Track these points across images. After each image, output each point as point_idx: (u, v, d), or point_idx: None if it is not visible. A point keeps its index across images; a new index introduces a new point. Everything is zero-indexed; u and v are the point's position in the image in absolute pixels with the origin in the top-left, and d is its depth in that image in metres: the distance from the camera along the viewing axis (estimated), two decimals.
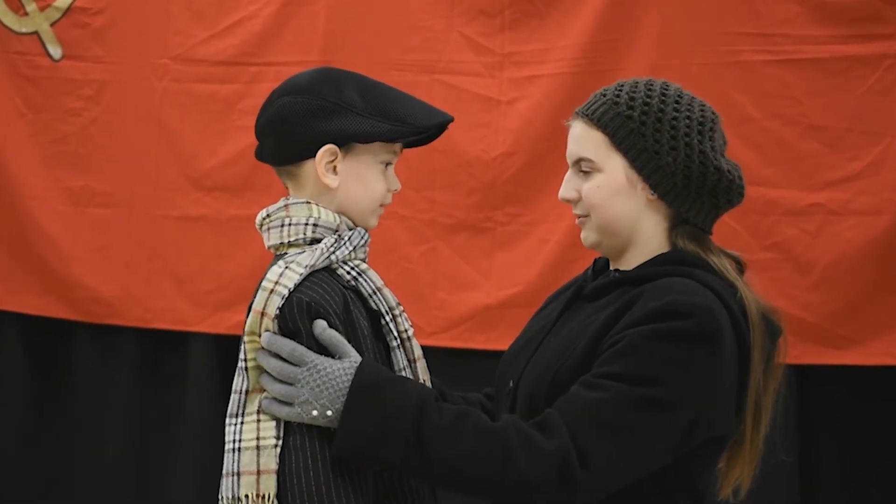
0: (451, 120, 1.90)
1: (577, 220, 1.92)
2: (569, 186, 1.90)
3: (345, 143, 1.83)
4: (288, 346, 1.70)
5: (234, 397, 1.77)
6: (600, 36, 3.53)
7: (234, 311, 3.84)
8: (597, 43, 3.53)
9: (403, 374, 1.84)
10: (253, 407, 1.74)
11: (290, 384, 1.68)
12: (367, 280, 1.84)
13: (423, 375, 1.91)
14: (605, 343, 1.75)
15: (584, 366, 1.76)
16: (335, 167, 1.84)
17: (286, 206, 1.86)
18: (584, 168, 1.87)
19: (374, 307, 1.85)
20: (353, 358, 1.70)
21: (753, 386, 1.79)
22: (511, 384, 1.91)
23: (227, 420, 1.76)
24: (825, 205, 3.36)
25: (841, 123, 3.35)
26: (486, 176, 3.65)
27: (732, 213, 3.34)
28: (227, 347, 3.86)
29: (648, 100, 1.85)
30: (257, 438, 1.71)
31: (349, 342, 1.74)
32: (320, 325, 1.71)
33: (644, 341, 1.70)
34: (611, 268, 1.94)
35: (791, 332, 3.26)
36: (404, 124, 1.84)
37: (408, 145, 1.93)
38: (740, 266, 1.91)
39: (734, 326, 1.77)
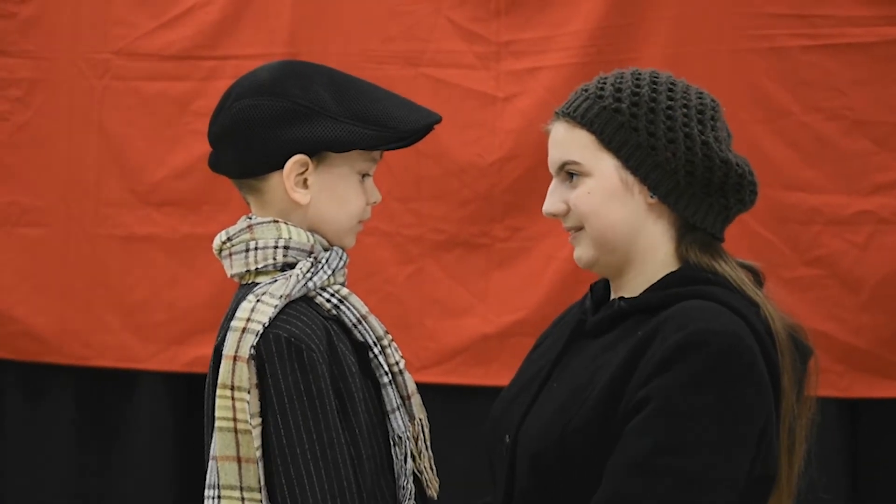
0: (440, 120, 1.90)
1: (569, 238, 1.91)
2: (554, 198, 1.89)
3: (317, 152, 1.82)
4: None
5: (211, 464, 1.75)
6: (611, 20, 3.54)
7: (189, 344, 3.84)
8: (607, 28, 3.54)
9: (397, 413, 1.85)
10: (228, 480, 1.73)
11: None
12: (351, 307, 1.84)
13: (419, 413, 1.91)
14: (629, 397, 1.73)
15: (599, 418, 1.75)
16: (305, 180, 1.84)
17: (250, 226, 1.85)
18: (571, 174, 1.87)
19: (360, 338, 1.84)
20: None
21: (786, 416, 1.79)
22: (507, 439, 1.89)
23: (206, 491, 1.74)
24: (876, 212, 3.37)
25: (892, 117, 3.36)
26: (482, 184, 3.65)
27: (768, 224, 3.40)
28: (181, 388, 3.86)
29: (637, 89, 1.84)
30: None
31: (337, 383, 1.74)
32: None
33: (681, 396, 1.68)
34: (612, 293, 1.93)
35: (839, 360, 3.33)
36: (386, 128, 1.83)
37: (387, 148, 1.91)
38: (758, 278, 1.91)
39: (762, 350, 1.76)
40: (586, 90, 1.88)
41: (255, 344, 1.71)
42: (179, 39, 3.88)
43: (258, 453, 1.72)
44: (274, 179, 1.84)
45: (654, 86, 1.85)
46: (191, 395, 3.79)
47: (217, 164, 1.91)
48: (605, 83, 1.87)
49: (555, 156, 1.89)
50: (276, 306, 1.74)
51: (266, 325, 1.72)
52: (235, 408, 1.71)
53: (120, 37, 3.92)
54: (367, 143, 1.82)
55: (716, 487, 1.67)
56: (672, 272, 1.86)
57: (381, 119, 1.83)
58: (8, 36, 3.99)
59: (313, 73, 1.86)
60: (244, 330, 1.72)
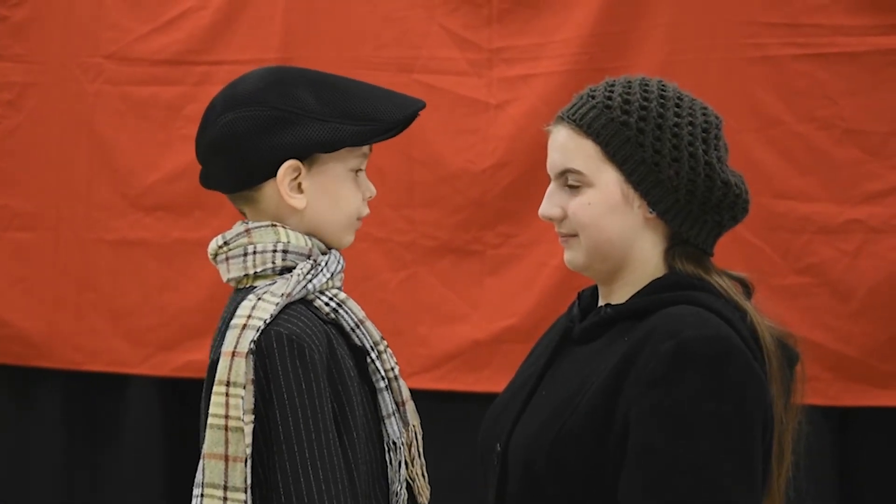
0: (424, 106, 1.91)
1: (560, 240, 1.92)
2: (552, 202, 1.89)
3: (307, 155, 1.84)
4: None
5: (200, 462, 1.74)
6: (604, 27, 3.55)
7: (179, 350, 3.84)
8: (600, 36, 3.56)
9: (392, 419, 1.86)
10: (212, 478, 1.71)
11: None
12: (349, 312, 1.86)
13: (413, 420, 1.93)
14: (624, 408, 1.73)
15: (591, 427, 1.75)
16: (300, 184, 1.85)
17: (247, 230, 1.86)
18: (572, 182, 1.86)
19: (358, 342, 1.86)
20: None
21: (776, 423, 1.80)
22: (498, 447, 1.90)
23: (194, 490, 1.74)
24: (866, 221, 3.39)
25: (883, 126, 3.38)
26: (474, 191, 3.66)
27: (759, 232, 3.42)
28: (171, 393, 3.86)
29: (646, 103, 1.84)
30: None
31: (336, 387, 1.75)
32: None
33: (686, 409, 1.68)
34: (601, 299, 1.94)
35: (829, 368, 3.35)
36: (372, 122, 1.85)
37: (376, 140, 1.92)
38: (747, 289, 1.92)
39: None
40: (593, 97, 1.88)
41: (255, 339, 1.72)
42: (172, 44, 3.89)
43: (248, 451, 1.70)
44: (268, 188, 1.86)
45: (663, 100, 1.85)
46: (181, 399, 3.80)
47: (209, 180, 1.93)
48: (612, 91, 1.87)
49: (556, 160, 1.89)
50: (277, 304, 1.75)
51: (267, 322, 1.73)
52: (229, 404, 1.71)
53: (112, 41, 3.94)
54: (355, 139, 1.84)
55: (738, 490, 1.68)
56: (658, 278, 1.87)
57: (367, 113, 1.85)
58: (0, 40, 4.00)
59: (294, 78, 1.88)
60: (244, 326, 1.73)
